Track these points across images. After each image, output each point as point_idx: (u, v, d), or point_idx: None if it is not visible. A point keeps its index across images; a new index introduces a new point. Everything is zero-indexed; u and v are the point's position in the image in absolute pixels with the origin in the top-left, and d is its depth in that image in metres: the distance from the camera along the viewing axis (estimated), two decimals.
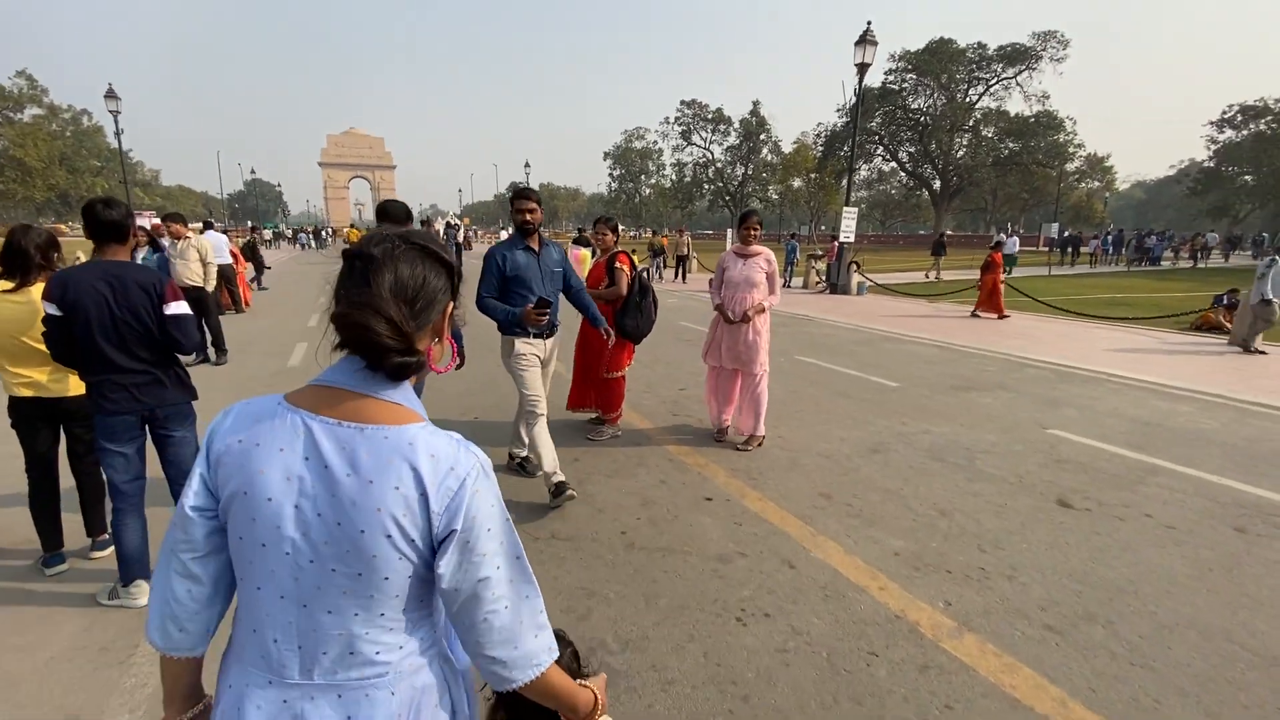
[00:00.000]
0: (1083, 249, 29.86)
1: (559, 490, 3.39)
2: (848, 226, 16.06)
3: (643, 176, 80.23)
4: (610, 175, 79.80)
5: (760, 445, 4.55)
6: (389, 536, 0.78)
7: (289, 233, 56.20)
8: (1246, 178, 50.07)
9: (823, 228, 64.54)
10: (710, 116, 63.49)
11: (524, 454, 4.08)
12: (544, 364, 3.66)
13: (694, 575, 2.87)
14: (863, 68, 15.81)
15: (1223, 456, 4.51)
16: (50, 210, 65.19)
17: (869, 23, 15.40)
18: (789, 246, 19.21)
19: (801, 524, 3.35)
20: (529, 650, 0.85)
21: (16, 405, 2.75)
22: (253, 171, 67.61)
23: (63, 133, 58.95)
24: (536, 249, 3.54)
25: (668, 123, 64.86)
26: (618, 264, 4.54)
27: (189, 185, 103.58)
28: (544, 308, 3.33)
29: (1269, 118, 46.31)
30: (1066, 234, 32.25)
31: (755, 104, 61.43)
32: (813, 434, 4.91)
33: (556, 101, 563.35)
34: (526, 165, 42.83)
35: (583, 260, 5.05)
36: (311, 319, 10.85)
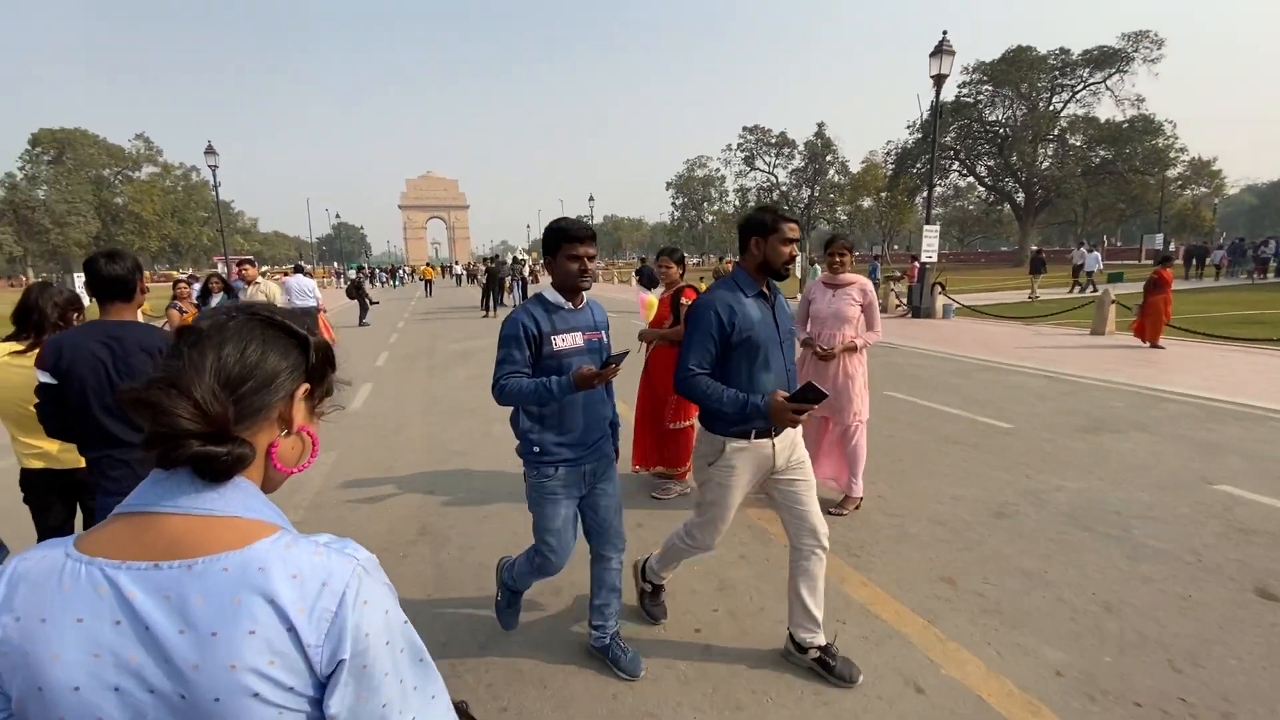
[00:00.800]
0: (1208, 260, 26.78)
1: None
2: (929, 245, 15.00)
3: (705, 204, 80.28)
4: (673, 204, 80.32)
5: (858, 508, 3.87)
6: (256, 695, 0.61)
7: (368, 272, 59.53)
8: None
9: (895, 247, 62.20)
10: (774, 141, 62.92)
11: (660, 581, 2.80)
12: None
13: (790, 700, 2.25)
14: (939, 79, 14.91)
15: None
16: (164, 258, 71.88)
17: (944, 32, 14.54)
18: (871, 268, 18.29)
19: (925, 624, 2.66)
20: None
21: (28, 478, 2.51)
22: (338, 216, 72.25)
23: (174, 188, 65.04)
24: (769, 296, 2.33)
25: (730, 149, 64.70)
26: (684, 300, 4.04)
27: (284, 230, 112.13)
28: (810, 399, 2.03)
29: None
30: (1192, 244, 29.24)
31: (820, 125, 60.44)
32: (920, 492, 4.17)
33: (620, 135, 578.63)
34: (591, 199, 43.46)
35: (649, 307, 4.54)
36: (380, 357, 10.95)
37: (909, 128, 50.10)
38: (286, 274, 12.68)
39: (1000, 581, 2.98)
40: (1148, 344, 9.78)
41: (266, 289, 7.15)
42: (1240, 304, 15.64)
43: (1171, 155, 43.30)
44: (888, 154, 53.91)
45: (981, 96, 46.66)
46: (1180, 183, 48.14)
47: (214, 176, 25.72)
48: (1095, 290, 18.30)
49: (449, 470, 4.86)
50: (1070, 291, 20.02)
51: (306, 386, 0.74)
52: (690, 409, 4.09)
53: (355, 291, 17.90)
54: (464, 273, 48.89)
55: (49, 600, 0.61)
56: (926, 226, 15.30)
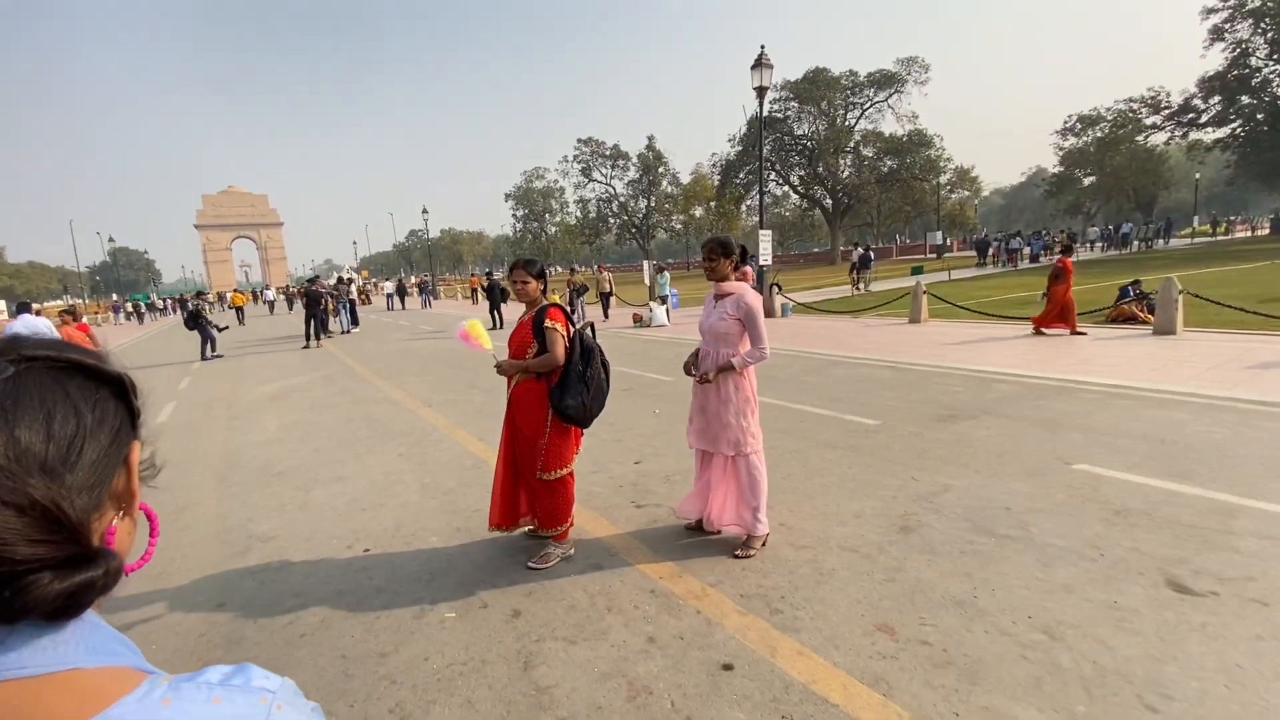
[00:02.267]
0: (990, 252, 32.16)
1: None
2: (764, 250, 15.68)
3: (547, 215, 79.51)
4: (514, 216, 78.47)
5: (764, 545, 3.43)
6: None
7: (160, 304, 50.86)
8: (1091, 179, 56.08)
9: None
10: (608, 153, 63.93)
11: None
12: None
13: None
14: (761, 91, 15.65)
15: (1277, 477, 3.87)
16: None
17: (762, 46, 15.29)
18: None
19: (881, 699, 2.20)
20: None
21: None
22: (111, 240, 60.75)
23: None
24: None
25: (567, 160, 64.66)
26: (549, 322, 3.33)
27: (42, 260, 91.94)
28: None
29: (1103, 124, 52.23)
30: (984, 237, 34.84)
31: (650, 139, 62.59)
32: (819, 512, 3.85)
33: (453, 147, 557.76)
34: (424, 211, 40.73)
35: (478, 338, 3.70)
36: (165, 410, 8.83)
37: (730, 141, 53.61)
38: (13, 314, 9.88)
39: (937, 619, 2.66)
40: (1069, 332, 9.77)
41: None
42: (1013, 289, 18.26)
43: (941, 164, 50.81)
44: (714, 165, 57.20)
45: (789, 112, 51.22)
46: (949, 187, 56.69)
47: None
48: (868, 287, 20.57)
49: (251, 566, 3.67)
50: (856, 290, 21.44)
51: (137, 444, 0.54)
52: (567, 454, 3.40)
53: (194, 321, 14.94)
54: (277, 298, 43.44)
55: None
56: (761, 231, 16.00)
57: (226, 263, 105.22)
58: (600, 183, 65.26)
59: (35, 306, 12.57)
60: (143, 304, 45.61)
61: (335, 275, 30.00)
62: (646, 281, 18.05)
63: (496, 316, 18.14)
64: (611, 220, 67.20)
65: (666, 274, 17.53)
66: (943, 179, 52.78)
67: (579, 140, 63.91)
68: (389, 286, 34.03)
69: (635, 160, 63.59)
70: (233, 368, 13.07)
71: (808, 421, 5.84)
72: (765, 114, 49.18)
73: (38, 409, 0.45)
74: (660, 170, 63.39)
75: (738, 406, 3.38)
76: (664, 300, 16.61)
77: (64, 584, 0.42)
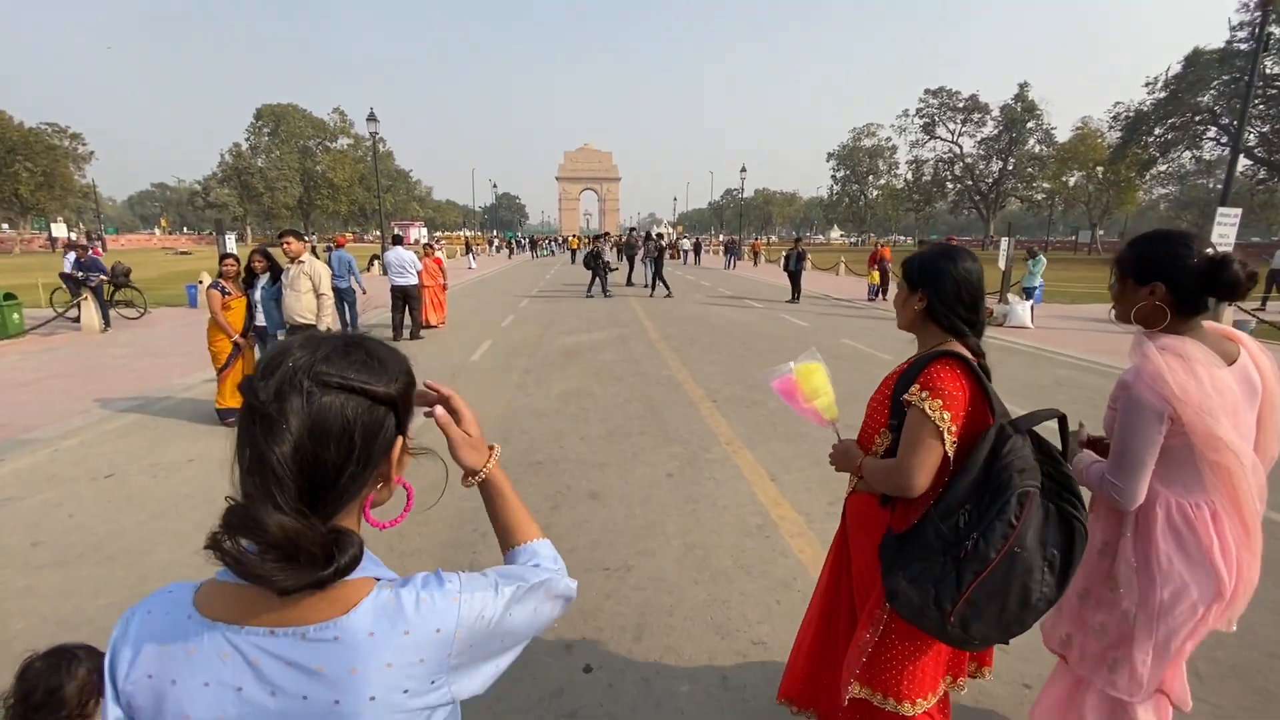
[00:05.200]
0: None
1: None
2: (1223, 235, 10.46)
3: (870, 177, 72.82)
4: (833, 177, 73.82)
5: None
6: None
7: (523, 241, 61.62)
8: None
9: (1101, 233, 51.71)
10: (961, 105, 54.59)
11: None
12: None
13: None
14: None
15: None
16: (354, 221, 79.81)
17: None
18: (1032, 258, 13.64)
19: None
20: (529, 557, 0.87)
21: None
22: (495, 185, 75.42)
23: (364, 157, 71.28)
24: None
25: (907, 115, 57.30)
26: (920, 395, 1.45)
27: (454, 199, 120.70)
28: None
29: None
30: None
31: (1022, 86, 51.22)
32: None
33: (782, 105, 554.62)
34: (743, 170, 40.22)
35: (808, 391, 1.88)
36: (480, 349, 9.37)
37: (1148, 85, 40.43)
38: (331, 247, 11.55)
39: None
40: None
41: (311, 269, 5.61)
42: None
43: None
44: (1115, 119, 44.11)
45: (1256, 41, 35.98)
46: None
47: (374, 141, 26.60)
48: None
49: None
50: None
51: (401, 441, 0.71)
52: (922, 674, 1.58)
53: (594, 260, 16.72)
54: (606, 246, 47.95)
55: (177, 664, 0.63)
56: (1222, 210, 10.71)
57: (574, 211, 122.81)
58: (945, 140, 56.50)
59: (415, 237, 15.03)
60: (511, 240, 55.44)
61: (646, 231, 31.33)
62: (1001, 265, 13.93)
63: (597, 283, 16.54)
64: (950, 185, 57.99)
65: (1042, 259, 13.21)
66: None
67: (926, 91, 55.90)
68: (686, 244, 35.03)
69: (996, 114, 53.04)
70: (551, 310, 13.95)
71: None
72: (1218, 46, 35.35)
73: (326, 432, 0.62)
74: (1029, 125, 51.77)
75: (1130, 590, 1.60)
76: (1028, 293, 12.57)
77: (310, 583, 0.60)
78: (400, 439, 0.70)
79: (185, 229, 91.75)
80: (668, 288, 16.64)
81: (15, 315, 10.76)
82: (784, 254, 16.65)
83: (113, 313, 11.80)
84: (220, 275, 5.69)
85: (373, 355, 0.68)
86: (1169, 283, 1.47)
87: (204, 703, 0.62)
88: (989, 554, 1.33)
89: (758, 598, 2.88)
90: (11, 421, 5.80)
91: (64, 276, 11.79)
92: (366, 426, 0.64)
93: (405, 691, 0.63)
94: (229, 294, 5.62)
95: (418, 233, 48.30)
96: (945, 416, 1.40)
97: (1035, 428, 1.45)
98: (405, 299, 9.86)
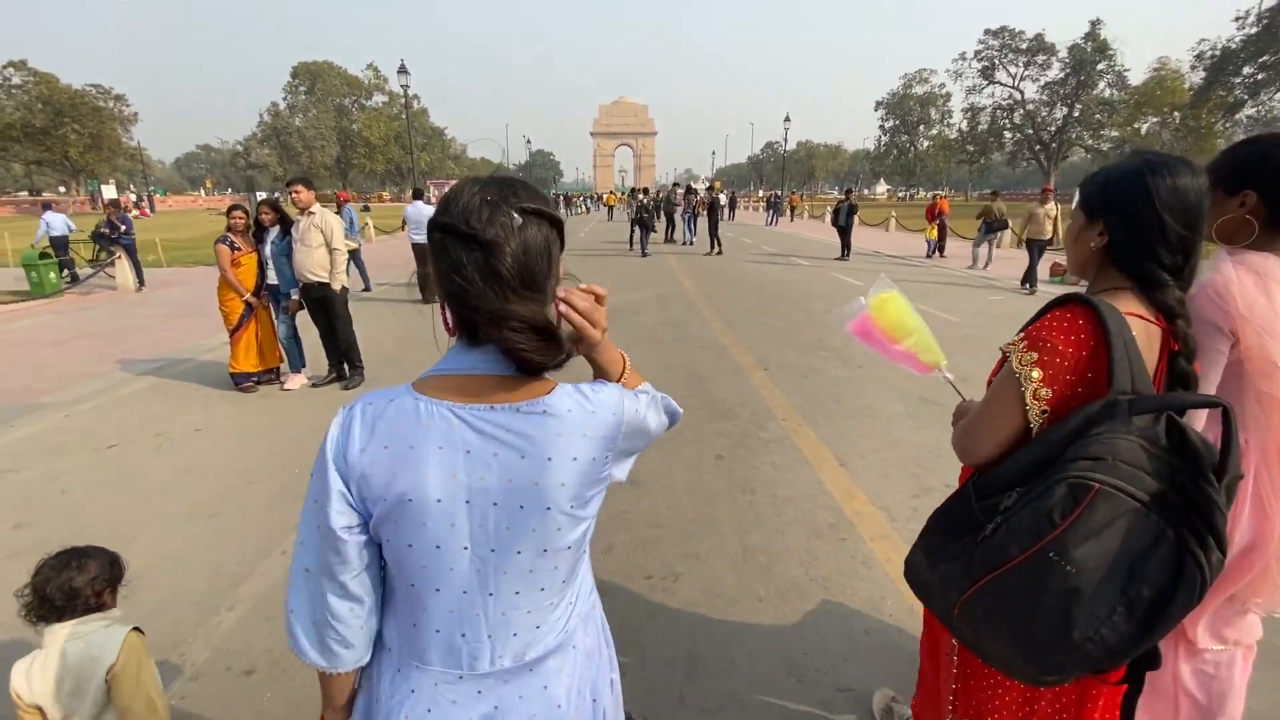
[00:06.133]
0: None
1: None
2: None
3: (921, 126, 68.85)
4: (881, 127, 70.07)
5: None
6: (571, 507, 0.81)
7: (558, 199, 60.73)
8: None
9: None
10: (1025, 46, 50.51)
11: None
12: None
13: None
14: None
15: None
16: (392, 180, 79.80)
17: None
18: None
19: None
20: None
21: None
22: (528, 141, 73.97)
23: (398, 115, 70.60)
24: None
25: (963, 59, 53.41)
26: (1019, 358, 1.08)
27: (489, 158, 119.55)
28: None
29: None
30: None
31: (1094, 24, 46.92)
32: None
33: (824, 49, 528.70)
34: (786, 120, 38.19)
35: (889, 328, 1.51)
36: None
37: (1238, 19, 36.53)
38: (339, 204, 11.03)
39: None
40: None
41: (323, 222, 5.10)
42: None
43: None
44: (1198, 59, 40.14)
45: None
46: None
47: (405, 94, 25.95)
48: None
49: None
50: None
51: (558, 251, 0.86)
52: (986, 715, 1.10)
53: (645, 213, 15.99)
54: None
55: (413, 432, 0.76)
56: None
57: (609, 167, 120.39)
58: (1005, 85, 52.56)
59: (428, 196, 14.55)
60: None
61: (684, 186, 29.99)
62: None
63: (638, 237, 15.76)
64: (1008, 135, 54.28)
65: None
66: None
67: (986, 32, 51.79)
68: (723, 199, 33.82)
69: (1063, 55, 48.91)
70: (584, 269, 13.32)
71: None
72: None
73: (531, 237, 0.78)
74: (1099, 67, 47.63)
75: None
76: None
77: (555, 362, 0.79)
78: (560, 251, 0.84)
79: (230, 189, 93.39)
80: (720, 245, 15.89)
81: (52, 274, 10.77)
82: (832, 208, 15.52)
83: (104, 274, 11.65)
84: (228, 229, 5.25)
85: (532, 188, 0.82)
86: (1261, 189, 1.26)
87: (437, 462, 0.76)
88: (1009, 548, 0.97)
89: (840, 624, 2.31)
90: (31, 385, 5.58)
91: (96, 235, 11.70)
92: (549, 239, 0.80)
93: (593, 459, 0.81)
94: (238, 249, 5.18)
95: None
96: (1034, 376, 1.03)
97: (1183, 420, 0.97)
98: (425, 256, 9.39)
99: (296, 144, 65.79)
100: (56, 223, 11.73)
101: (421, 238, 9.22)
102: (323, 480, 0.77)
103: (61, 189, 60.29)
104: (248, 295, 5.16)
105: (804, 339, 6.83)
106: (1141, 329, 1.05)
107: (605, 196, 43.69)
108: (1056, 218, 10.63)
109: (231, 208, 5.33)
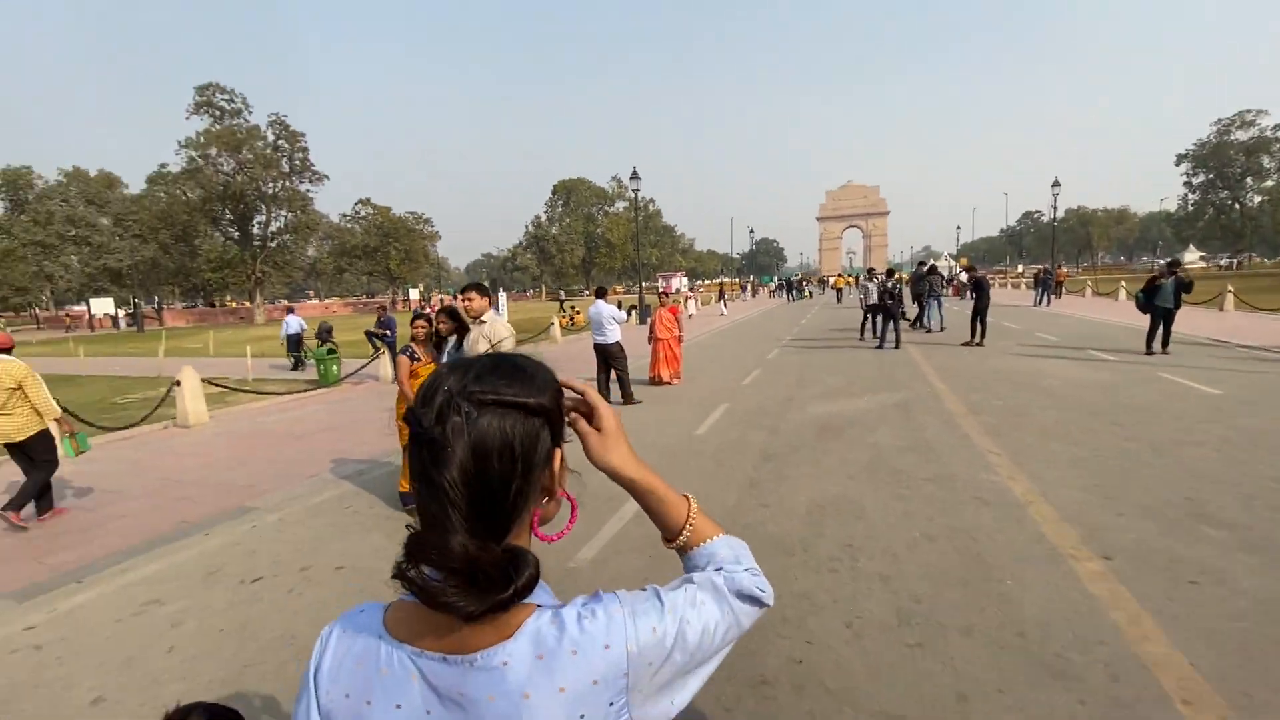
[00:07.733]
0: None
1: None
2: None
3: (1249, 179, 54.44)
4: (1187, 184, 57.06)
5: None
6: None
7: (777, 284, 60.36)
8: None
9: None
10: None
11: None
12: None
13: None
14: None
15: None
16: (628, 275, 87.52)
17: None
18: None
19: None
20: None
21: None
22: (751, 231, 75.54)
23: (636, 218, 78.04)
24: None
25: None
26: None
27: (714, 249, 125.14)
28: None
29: None
30: None
31: None
32: None
33: (1103, 105, 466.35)
34: (1055, 184, 32.59)
35: None
36: (751, 375, 7.62)
37: None
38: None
39: None
40: None
41: (491, 331, 4.49)
42: None
43: None
44: None
45: None
46: None
47: (636, 197, 27.87)
48: None
49: None
50: None
51: (559, 452, 0.71)
52: None
53: (888, 299, 13.25)
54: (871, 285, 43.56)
55: (372, 684, 0.64)
56: None
57: (836, 250, 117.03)
58: None
59: (676, 286, 14.23)
60: (767, 285, 54.29)
61: (928, 264, 26.53)
62: None
63: (871, 327, 13.21)
64: None
65: None
66: None
67: None
68: (964, 276, 29.30)
69: None
70: (802, 361, 11.68)
71: None
72: None
73: (487, 450, 0.60)
74: None
75: None
76: None
77: (491, 606, 0.59)
78: (558, 450, 0.70)
79: (500, 290, 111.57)
80: (984, 333, 13.00)
81: (335, 367, 12.67)
82: (1150, 282, 11.36)
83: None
84: (411, 339, 4.97)
85: (519, 368, 0.68)
86: None
87: None
88: None
89: None
90: (255, 484, 5.82)
91: (369, 334, 13.62)
92: (524, 439, 0.63)
93: (582, 717, 0.61)
94: (418, 360, 4.85)
95: (679, 282, 50.21)
96: None
97: None
98: (606, 359, 8.70)
99: (551, 248, 76.23)
100: (293, 324, 14.46)
101: (602, 339, 8.62)
102: (304, 702, 0.68)
103: (379, 294, 77.61)
104: None
105: (1159, 493, 4.32)
106: None
107: (834, 280, 43.05)
108: None
109: (414, 318, 5.08)
